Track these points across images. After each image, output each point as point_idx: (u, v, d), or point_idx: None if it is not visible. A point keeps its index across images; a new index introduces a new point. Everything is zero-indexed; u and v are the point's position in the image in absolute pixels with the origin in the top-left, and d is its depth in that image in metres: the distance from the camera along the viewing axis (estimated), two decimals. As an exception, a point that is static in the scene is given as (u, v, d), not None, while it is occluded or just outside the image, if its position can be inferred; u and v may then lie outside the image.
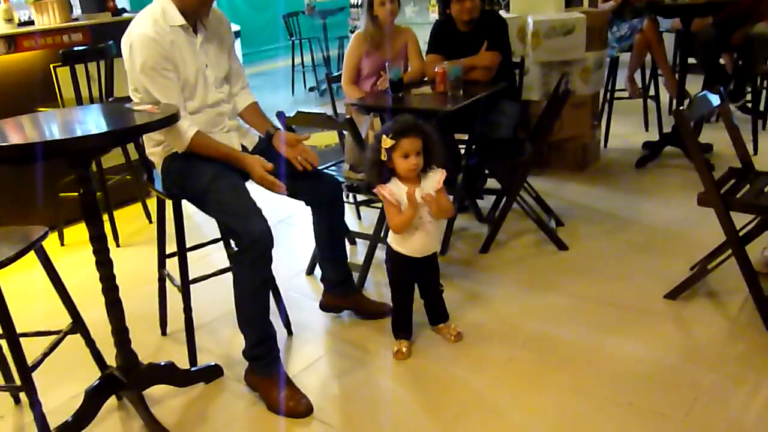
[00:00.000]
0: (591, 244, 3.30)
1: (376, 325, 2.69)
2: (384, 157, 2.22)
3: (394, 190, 2.28)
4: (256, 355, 2.32)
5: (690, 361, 2.32)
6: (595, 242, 3.32)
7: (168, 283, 2.68)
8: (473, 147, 3.45)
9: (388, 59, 3.60)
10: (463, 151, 3.53)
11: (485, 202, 3.77)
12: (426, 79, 3.56)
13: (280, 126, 2.63)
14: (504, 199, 3.29)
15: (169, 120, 1.88)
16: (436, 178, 2.29)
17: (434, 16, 6.37)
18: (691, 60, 4.60)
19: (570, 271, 3.04)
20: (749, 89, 4.76)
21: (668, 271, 2.91)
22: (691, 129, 2.41)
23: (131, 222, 4.13)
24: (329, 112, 3.76)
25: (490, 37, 3.44)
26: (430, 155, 2.25)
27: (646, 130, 5.08)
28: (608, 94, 4.85)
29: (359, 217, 3.81)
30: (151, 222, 4.07)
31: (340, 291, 2.75)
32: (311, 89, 8.10)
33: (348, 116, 2.69)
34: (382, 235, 2.95)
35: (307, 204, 2.62)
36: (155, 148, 2.42)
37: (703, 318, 2.58)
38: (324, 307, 2.80)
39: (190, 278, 2.48)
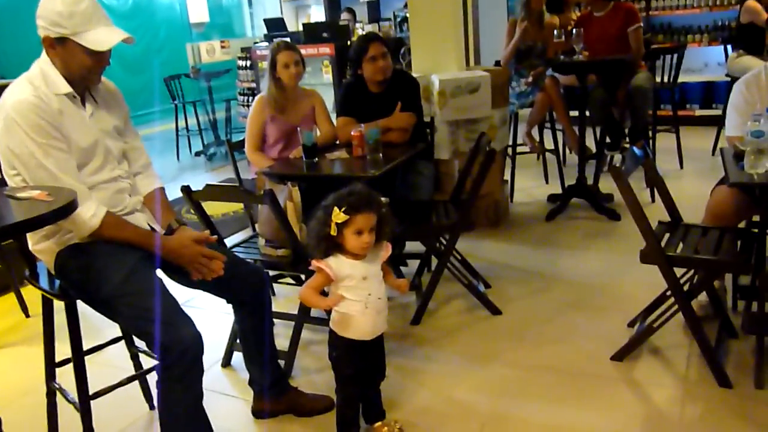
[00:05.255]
0: (522, 305, 3.18)
1: (314, 421, 2.38)
2: (333, 231, 1.97)
3: (334, 266, 2.01)
4: None
5: (655, 430, 2.22)
6: (526, 303, 3.21)
7: (59, 397, 2.23)
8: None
9: (296, 123, 3.39)
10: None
11: (408, 269, 3.58)
12: (338, 142, 3.37)
13: (185, 221, 2.23)
14: (436, 264, 3.10)
15: (70, 207, 1.54)
16: (380, 253, 2.06)
17: (328, 77, 6.26)
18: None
19: (508, 337, 2.89)
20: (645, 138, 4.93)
21: (606, 330, 2.84)
22: (630, 186, 2.35)
23: (3, 317, 3.55)
24: (222, 177, 3.45)
25: (403, 97, 3.32)
26: (381, 230, 2.01)
27: (547, 182, 5.17)
28: (511, 149, 4.88)
29: (273, 294, 3.49)
30: (28, 316, 3.51)
31: (273, 393, 2.39)
32: (197, 154, 7.70)
33: (268, 188, 2.41)
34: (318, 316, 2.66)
35: (228, 302, 2.29)
36: (44, 242, 1.99)
37: (654, 379, 2.48)
38: (257, 413, 2.43)
39: (90, 392, 2.07)
